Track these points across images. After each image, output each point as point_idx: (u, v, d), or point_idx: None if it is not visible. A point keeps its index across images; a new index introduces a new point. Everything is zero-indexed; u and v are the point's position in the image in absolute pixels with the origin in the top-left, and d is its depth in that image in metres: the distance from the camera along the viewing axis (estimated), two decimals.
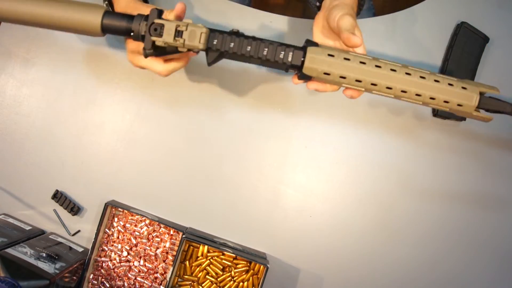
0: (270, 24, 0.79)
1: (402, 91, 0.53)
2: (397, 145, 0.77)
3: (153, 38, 0.50)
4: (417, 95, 0.53)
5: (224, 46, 0.52)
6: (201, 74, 0.77)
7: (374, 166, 0.76)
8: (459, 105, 0.54)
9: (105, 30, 0.52)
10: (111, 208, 0.76)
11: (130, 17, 0.52)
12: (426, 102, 0.54)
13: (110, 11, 0.53)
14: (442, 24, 0.78)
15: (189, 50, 0.52)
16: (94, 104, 0.78)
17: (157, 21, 0.49)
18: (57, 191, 0.78)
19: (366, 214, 0.77)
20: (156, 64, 0.57)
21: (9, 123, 0.79)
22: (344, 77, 0.52)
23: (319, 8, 0.63)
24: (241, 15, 0.79)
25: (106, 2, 0.63)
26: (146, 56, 0.52)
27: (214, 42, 0.52)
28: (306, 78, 0.54)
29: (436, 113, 0.76)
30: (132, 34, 0.52)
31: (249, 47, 0.52)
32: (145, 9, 0.58)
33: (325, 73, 0.52)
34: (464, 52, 0.76)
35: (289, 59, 0.52)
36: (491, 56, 0.77)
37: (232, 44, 0.52)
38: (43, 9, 0.52)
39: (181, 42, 0.50)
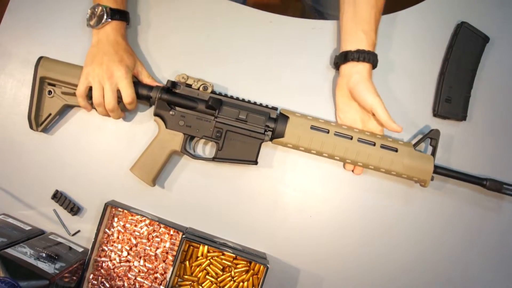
0: (270, 24, 0.79)
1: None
2: None
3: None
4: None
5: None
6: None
7: None
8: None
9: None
10: (111, 208, 0.76)
11: (150, 87, 0.73)
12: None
13: (137, 82, 0.74)
14: (442, 24, 0.78)
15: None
16: None
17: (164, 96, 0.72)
18: (57, 191, 0.78)
19: (367, 214, 0.77)
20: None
21: (9, 123, 0.79)
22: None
23: (337, 66, 0.73)
24: (241, 15, 0.80)
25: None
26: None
27: None
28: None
29: (436, 113, 0.76)
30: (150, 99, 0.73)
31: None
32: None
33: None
34: (464, 52, 0.76)
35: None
36: (491, 56, 0.77)
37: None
38: None
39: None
